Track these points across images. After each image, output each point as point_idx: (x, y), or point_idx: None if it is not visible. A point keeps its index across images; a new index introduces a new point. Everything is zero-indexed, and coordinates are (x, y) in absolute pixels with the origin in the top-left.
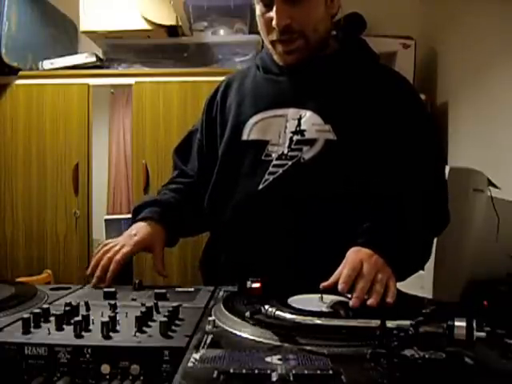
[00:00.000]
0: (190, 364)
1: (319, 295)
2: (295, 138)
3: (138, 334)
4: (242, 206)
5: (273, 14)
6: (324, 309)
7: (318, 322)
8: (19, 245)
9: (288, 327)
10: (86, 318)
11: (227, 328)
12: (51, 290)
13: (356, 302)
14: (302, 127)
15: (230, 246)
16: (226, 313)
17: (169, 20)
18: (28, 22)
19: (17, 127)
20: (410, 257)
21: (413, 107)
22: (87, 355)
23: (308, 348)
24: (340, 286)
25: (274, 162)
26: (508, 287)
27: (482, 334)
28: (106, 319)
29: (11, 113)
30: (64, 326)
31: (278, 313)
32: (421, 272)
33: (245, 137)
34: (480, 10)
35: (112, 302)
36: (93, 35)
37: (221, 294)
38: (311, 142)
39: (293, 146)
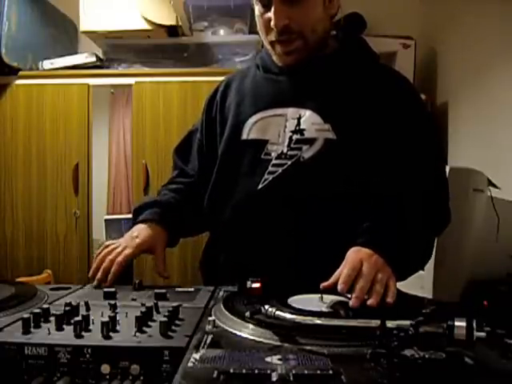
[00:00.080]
0: (190, 364)
1: (319, 295)
2: (295, 137)
3: (137, 333)
4: (241, 206)
5: (271, 14)
6: (324, 309)
7: (318, 322)
8: (19, 245)
9: (288, 327)
10: (86, 318)
11: (227, 328)
12: (51, 289)
13: (356, 301)
14: (302, 126)
15: (229, 245)
16: (226, 313)
17: (169, 20)
18: (28, 22)
19: (17, 127)
20: (410, 256)
21: (413, 106)
22: (87, 355)
23: (308, 348)
24: (340, 286)
25: (274, 162)
26: (508, 287)
27: (482, 334)
28: (106, 319)
29: (11, 113)
30: (64, 326)
31: (278, 313)
32: (421, 272)
33: (244, 136)
34: (480, 9)
35: (112, 301)
36: (93, 35)
37: (221, 293)
38: (311, 142)
39: (292, 146)
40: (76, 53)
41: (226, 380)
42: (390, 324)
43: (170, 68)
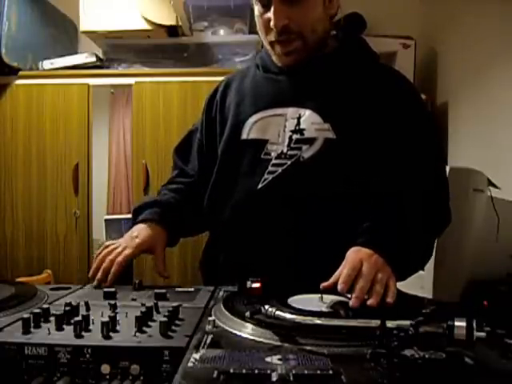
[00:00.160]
0: (189, 364)
1: (319, 295)
2: (294, 136)
3: (137, 333)
4: (241, 206)
5: (271, 14)
6: (324, 309)
7: (318, 322)
8: (19, 245)
9: (288, 327)
10: (86, 318)
11: (227, 328)
12: (51, 289)
13: (356, 301)
14: (302, 126)
15: (229, 245)
16: (226, 313)
17: (169, 20)
18: (28, 22)
19: (17, 127)
20: (410, 256)
21: (413, 106)
22: (87, 355)
23: (308, 348)
24: (339, 286)
25: (274, 161)
26: (508, 287)
27: (482, 334)
28: (106, 319)
29: (11, 113)
30: (64, 326)
31: (278, 313)
32: (421, 272)
33: (244, 136)
34: (480, 9)
35: (112, 301)
36: (93, 35)
37: (221, 293)
38: (310, 141)
39: (292, 145)
40: (76, 53)
41: (226, 380)
42: (390, 324)
43: (170, 68)
